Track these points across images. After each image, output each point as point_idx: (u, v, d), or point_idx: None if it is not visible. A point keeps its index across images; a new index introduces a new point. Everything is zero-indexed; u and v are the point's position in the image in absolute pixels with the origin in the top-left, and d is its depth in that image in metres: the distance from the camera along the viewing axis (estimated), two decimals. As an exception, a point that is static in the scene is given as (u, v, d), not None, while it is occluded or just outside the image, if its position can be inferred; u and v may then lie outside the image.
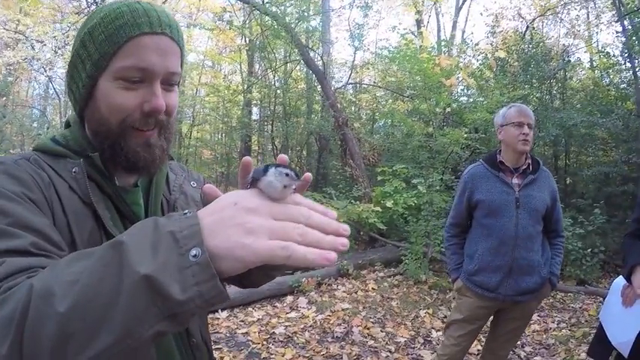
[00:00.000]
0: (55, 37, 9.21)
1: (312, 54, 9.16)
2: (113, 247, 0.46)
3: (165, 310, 0.44)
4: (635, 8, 7.19)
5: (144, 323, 0.43)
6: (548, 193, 2.23)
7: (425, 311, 4.29)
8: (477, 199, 2.23)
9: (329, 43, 11.08)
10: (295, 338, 3.58)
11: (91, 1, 7.58)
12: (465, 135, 6.55)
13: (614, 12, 8.43)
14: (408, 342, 3.66)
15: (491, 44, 9.85)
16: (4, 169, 0.66)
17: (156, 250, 0.45)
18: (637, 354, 1.79)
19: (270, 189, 0.50)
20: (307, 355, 3.32)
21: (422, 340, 3.71)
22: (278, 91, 11.53)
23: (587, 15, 10.91)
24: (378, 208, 5.95)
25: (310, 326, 3.83)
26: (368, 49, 11.79)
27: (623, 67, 8.10)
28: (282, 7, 8.91)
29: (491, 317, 2.39)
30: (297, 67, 11.90)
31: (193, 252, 0.44)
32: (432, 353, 3.41)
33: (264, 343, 3.45)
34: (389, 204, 5.90)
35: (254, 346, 3.38)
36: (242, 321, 3.94)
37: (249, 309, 4.23)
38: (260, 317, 4.03)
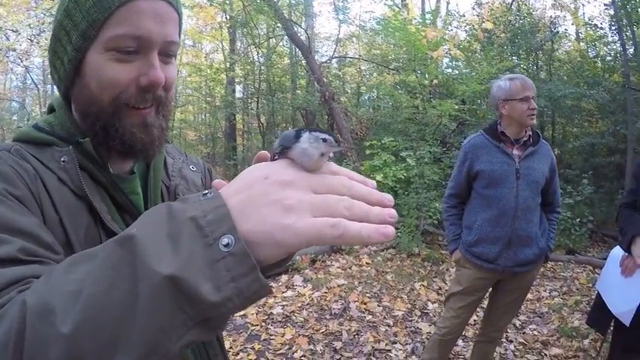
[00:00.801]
0: (29, 25, 8.73)
1: (295, 28, 8.92)
2: (121, 243, 0.38)
3: (196, 316, 0.36)
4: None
5: (170, 334, 0.36)
6: (547, 166, 2.22)
7: (420, 283, 4.33)
8: (477, 169, 2.20)
9: (312, 16, 10.81)
10: (293, 317, 3.57)
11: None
12: (457, 107, 6.52)
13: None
14: (406, 315, 3.70)
15: (477, 15, 9.72)
16: None
17: (176, 243, 0.37)
18: (638, 322, 1.82)
19: (305, 158, 0.43)
20: (307, 333, 3.32)
21: (419, 313, 3.76)
22: (262, 68, 11.26)
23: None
24: (368, 182, 5.92)
25: (307, 304, 3.83)
26: (353, 22, 11.56)
27: (610, 39, 8.11)
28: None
29: (490, 289, 2.41)
30: (281, 43, 11.62)
31: (224, 240, 0.37)
32: (430, 325, 3.46)
33: (263, 324, 3.43)
34: (378, 177, 5.84)
35: (253, 327, 3.36)
36: (238, 303, 3.91)
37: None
38: (256, 298, 4.01)
